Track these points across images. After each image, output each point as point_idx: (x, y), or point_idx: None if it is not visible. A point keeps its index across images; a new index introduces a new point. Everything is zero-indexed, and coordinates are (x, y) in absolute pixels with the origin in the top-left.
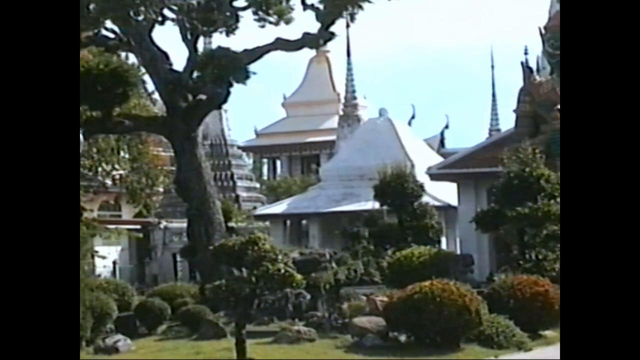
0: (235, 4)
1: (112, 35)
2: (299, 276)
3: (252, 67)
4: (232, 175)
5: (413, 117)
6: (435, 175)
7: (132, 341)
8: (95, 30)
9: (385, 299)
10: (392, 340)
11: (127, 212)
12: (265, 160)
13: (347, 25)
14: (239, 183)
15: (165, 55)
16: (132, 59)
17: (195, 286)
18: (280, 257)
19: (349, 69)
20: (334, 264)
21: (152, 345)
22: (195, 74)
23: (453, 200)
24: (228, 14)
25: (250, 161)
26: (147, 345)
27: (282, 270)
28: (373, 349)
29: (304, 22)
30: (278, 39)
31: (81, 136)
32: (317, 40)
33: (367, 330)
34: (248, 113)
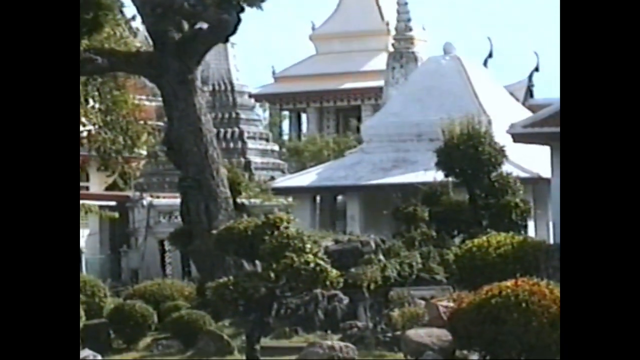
0: None
1: None
2: (334, 272)
3: None
4: (241, 133)
5: (490, 55)
6: (521, 135)
7: (104, 358)
8: None
9: (452, 304)
10: None
11: (97, 183)
12: (286, 113)
13: None
14: (251, 144)
15: None
16: None
17: (191, 285)
18: (308, 245)
19: None
20: (381, 256)
21: None
22: None
23: (545, 171)
24: None
25: (267, 114)
26: None
27: (312, 264)
28: None
29: None
30: None
31: None
32: None
33: (427, 346)
34: (264, 49)
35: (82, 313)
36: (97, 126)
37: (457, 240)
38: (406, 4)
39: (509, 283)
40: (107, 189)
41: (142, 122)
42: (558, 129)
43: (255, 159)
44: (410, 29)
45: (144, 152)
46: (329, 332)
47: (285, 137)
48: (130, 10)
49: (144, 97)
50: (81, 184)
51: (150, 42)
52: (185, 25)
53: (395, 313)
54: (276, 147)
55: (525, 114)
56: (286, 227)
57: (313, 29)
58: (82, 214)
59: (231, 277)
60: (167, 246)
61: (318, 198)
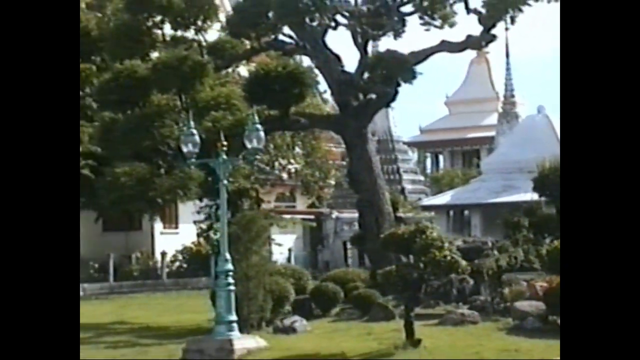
0: (402, 9)
1: (288, 40)
2: (463, 263)
3: (418, 67)
4: (398, 168)
5: None
6: None
7: (307, 322)
8: (274, 36)
9: (545, 284)
10: (552, 323)
11: (301, 203)
12: (428, 155)
13: (507, 28)
14: (405, 176)
15: (338, 57)
16: (307, 61)
17: (365, 272)
18: (446, 245)
19: (508, 69)
20: (495, 252)
21: (326, 326)
22: (365, 75)
23: None
24: (396, 19)
25: (415, 156)
26: (321, 326)
27: (448, 257)
28: (533, 332)
29: (466, 25)
30: (443, 42)
31: (262, 133)
32: (479, 42)
33: (528, 313)
34: (413, 111)
35: (292, 291)
36: (301, 165)
37: (547, 240)
38: (511, 79)
39: None
40: (308, 207)
41: (331, 162)
42: None
43: (408, 186)
44: (514, 96)
45: (333, 182)
46: (460, 303)
47: (428, 171)
48: (323, 86)
49: (332, 145)
50: (290, 204)
51: (337, 108)
52: (360, 96)
53: (506, 291)
54: (422, 178)
55: None
56: (430, 232)
57: (447, 97)
58: (290, 224)
59: (393, 267)
60: (348, 246)
61: (451, 212)
